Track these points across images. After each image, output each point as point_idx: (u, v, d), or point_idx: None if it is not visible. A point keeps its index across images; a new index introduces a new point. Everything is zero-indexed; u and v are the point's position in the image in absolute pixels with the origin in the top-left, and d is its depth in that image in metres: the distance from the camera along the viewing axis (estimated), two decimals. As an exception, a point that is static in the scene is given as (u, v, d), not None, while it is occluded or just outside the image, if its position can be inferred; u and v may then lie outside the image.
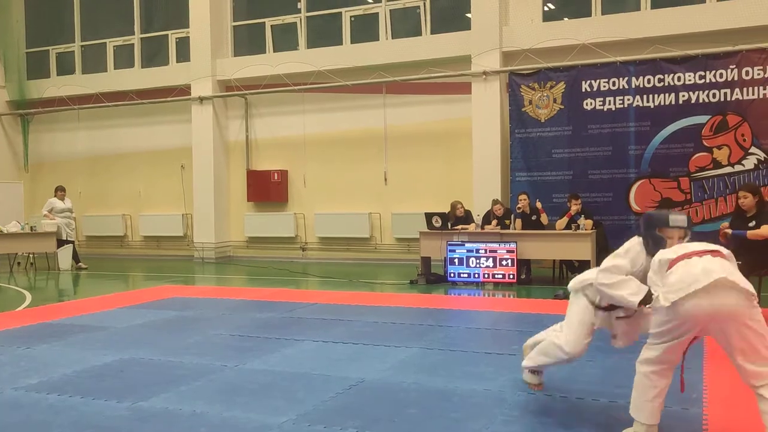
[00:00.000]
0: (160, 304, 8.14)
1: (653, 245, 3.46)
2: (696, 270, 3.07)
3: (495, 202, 10.27)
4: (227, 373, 4.89)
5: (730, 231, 6.51)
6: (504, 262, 9.45)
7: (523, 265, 9.69)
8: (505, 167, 11.79)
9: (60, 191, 13.22)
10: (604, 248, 9.94)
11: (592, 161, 11.19)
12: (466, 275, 9.66)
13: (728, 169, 10.42)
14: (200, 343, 5.95)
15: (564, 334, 3.78)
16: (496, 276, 9.49)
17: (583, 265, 9.53)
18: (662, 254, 3.30)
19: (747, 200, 6.59)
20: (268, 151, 14.10)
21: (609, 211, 10.91)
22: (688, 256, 3.18)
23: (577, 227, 9.38)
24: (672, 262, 3.19)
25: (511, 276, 9.41)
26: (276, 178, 13.79)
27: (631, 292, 3.40)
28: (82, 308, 7.95)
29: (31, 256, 13.21)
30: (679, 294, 3.05)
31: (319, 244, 13.74)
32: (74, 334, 6.36)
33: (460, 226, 10.12)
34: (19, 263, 13.20)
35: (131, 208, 15.39)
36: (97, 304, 8.22)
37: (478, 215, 10.42)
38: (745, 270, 6.22)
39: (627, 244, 3.61)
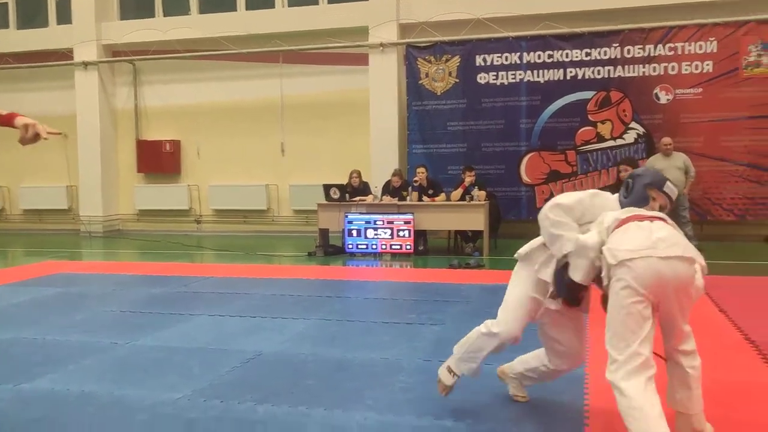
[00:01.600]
0: (43, 281, 7.72)
1: (632, 201, 3.15)
2: (653, 236, 2.84)
3: (395, 172, 10.36)
4: (118, 350, 4.73)
5: None
6: (401, 233, 9.59)
7: (419, 236, 9.87)
8: (403, 139, 11.90)
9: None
10: (497, 219, 10.31)
11: (485, 134, 11.48)
12: (364, 246, 9.74)
13: (611, 143, 10.99)
14: (89, 320, 5.70)
15: (499, 315, 3.35)
16: (393, 247, 9.63)
17: (476, 235, 9.85)
18: (617, 214, 3.07)
19: (627, 173, 6.98)
20: (160, 120, 13.56)
21: (501, 183, 11.26)
22: (639, 218, 2.98)
23: (471, 198, 9.63)
24: (622, 222, 2.98)
25: (408, 247, 9.57)
26: (168, 148, 13.31)
27: (571, 239, 3.07)
28: (-45, 287, 7.42)
29: None
30: (635, 254, 2.79)
31: (215, 216, 13.43)
32: (-53, 314, 5.93)
33: (357, 198, 10.16)
34: None
35: (9, 180, 14.42)
36: (-27, 283, 7.69)
37: (375, 187, 10.49)
38: None
39: (576, 194, 3.25)
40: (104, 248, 11.76)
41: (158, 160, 13.39)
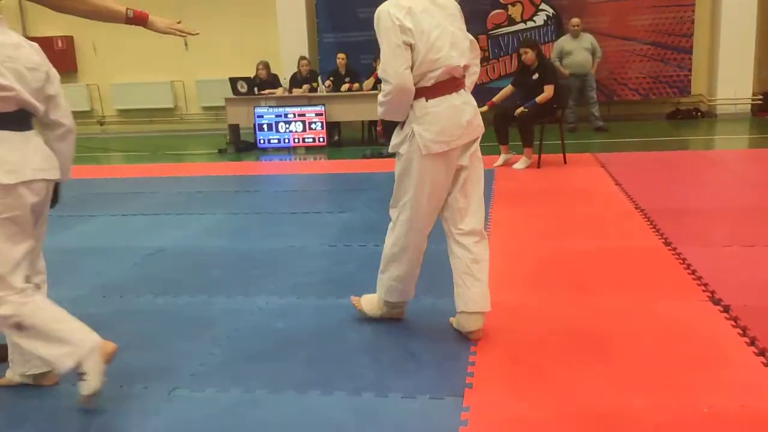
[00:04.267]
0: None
1: None
2: (462, 121, 2.63)
3: (301, 58, 10.01)
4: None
5: (524, 109, 6.84)
6: (313, 126, 9.41)
7: (334, 127, 9.72)
8: (312, 28, 11.46)
9: None
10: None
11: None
12: (276, 141, 9.54)
13: (521, 26, 10.92)
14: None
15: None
16: (306, 140, 9.46)
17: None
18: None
19: (528, 55, 6.98)
20: (48, 14, 12.43)
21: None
22: (450, 88, 2.65)
23: (383, 87, 9.47)
24: (433, 91, 2.60)
25: (322, 139, 9.43)
26: (60, 45, 12.41)
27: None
28: None
29: None
30: (442, 147, 2.60)
31: (119, 117, 12.81)
32: None
33: (267, 91, 9.85)
34: None
35: None
36: None
37: (284, 79, 10.16)
38: (534, 119, 6.71)
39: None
40: None
41: (51, 59, 12.11)
